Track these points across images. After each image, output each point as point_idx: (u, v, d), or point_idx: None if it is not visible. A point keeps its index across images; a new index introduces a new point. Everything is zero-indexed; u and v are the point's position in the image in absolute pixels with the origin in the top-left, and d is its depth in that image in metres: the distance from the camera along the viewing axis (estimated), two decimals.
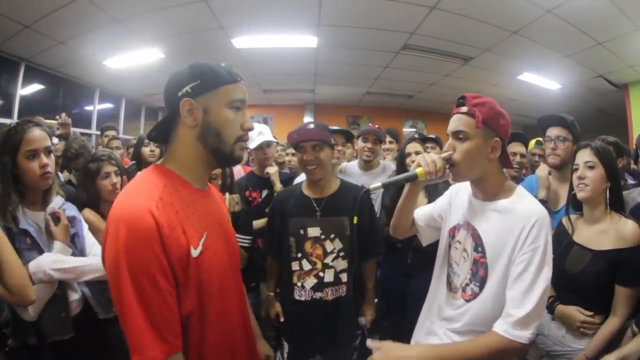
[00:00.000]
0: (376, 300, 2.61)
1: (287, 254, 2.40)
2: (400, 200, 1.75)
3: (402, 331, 2.25)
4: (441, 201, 1.80)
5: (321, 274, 2.35)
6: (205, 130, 1.25)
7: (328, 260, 2.34)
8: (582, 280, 1.88)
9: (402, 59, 6.63)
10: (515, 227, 1.41)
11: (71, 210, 2.05)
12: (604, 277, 1.82)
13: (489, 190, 1.53)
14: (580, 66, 6.46)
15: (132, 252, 1.05)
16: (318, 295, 2.35)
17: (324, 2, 4.76)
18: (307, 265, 2.36)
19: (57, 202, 1.98)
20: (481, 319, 1.47)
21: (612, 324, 1.80)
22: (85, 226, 2.08)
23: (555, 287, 2.01)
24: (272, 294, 2.59)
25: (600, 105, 8.77)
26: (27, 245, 1.72)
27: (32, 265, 1.67)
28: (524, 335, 1.32)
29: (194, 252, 1.17)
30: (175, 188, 1.23)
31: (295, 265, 2.38)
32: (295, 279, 2.38)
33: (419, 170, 1.49)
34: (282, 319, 2.50)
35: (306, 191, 2.45)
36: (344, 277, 2.36)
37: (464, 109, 1.48)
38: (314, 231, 2.35)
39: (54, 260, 1.73)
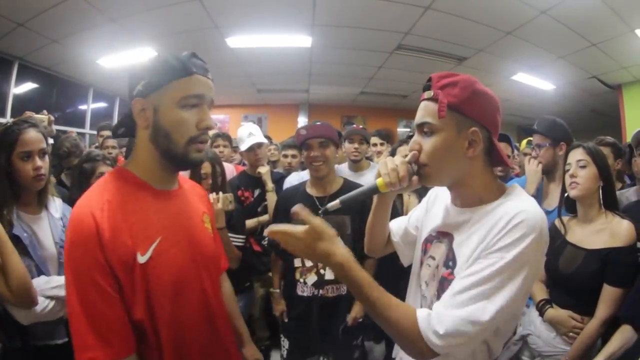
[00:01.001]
0: None
1: None
2: (370, 215, 1.49)
3: None
4: (418, 210, 1.50)
5: (322, 271, 2.37)
6: (155, 132, 1.19)
7: None
8: (576, 280, 1.88)
9: (396, 59, 6.63)
10: (490, 226, 1.06)
11: (68, 212, 2.03)
12: (598, 277, 1.82)
13: (471, 196, 1.18)
14: (574, 67, 6.48)
15: (74, 254, 1.06)
16: (319, 292, 2.36)
17: (318, 2, 4.75)
18: (308, 262, 2.38)
19: (57, 205, 1.99)
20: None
21: (591, 327, 1.80)
22: None
23: (549, 288, 2.03)
24: (277, 290, 2.61)
25: (594, 106, 8.81)
26: (20, 250, 1.68)
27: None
28: (437, 345, 0.98)
29: (141, 258, 1.12)
30: (129, 191, 1.19)
31: (297, 262, 2.40)
32: (297, 275, 2.41)
33: (378, 180, 1.21)
34: (285, 319, 2.51)
35: (310, 190, 2.48)
36: None
37: (429, 93, 1.15)
38: None
39: (46, 281, 1.72)
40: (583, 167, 1.93)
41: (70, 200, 2.24)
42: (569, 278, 1.90)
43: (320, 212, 1.24)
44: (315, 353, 2.44)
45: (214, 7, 4.82)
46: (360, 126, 3.63)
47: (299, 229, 1.07)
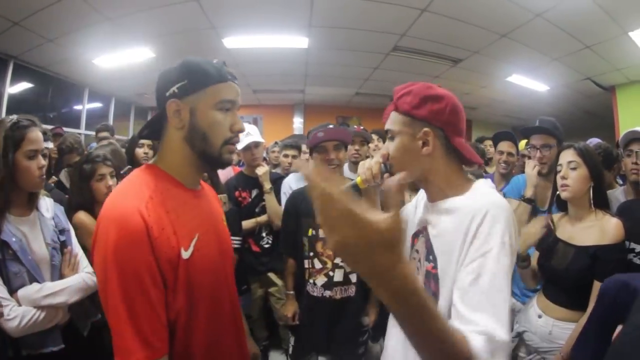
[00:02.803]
0: None
1: (301, 252, 2.46)
2: None
3: None
4: (409, 206, 1.56)
5: (331, 273, 2.39)
6: (191, 133, 1.23)
7: (338, 260, 2.38)
8: (567, 276, 1.92)
9: (392, 60, 6.67)
10: (462, 226, 1.12)
11: (60, 212, 1.97)
12: (588, 274, 1.85)
13: (437, 191, 1.28)
14: (568, 69, 6.53)
15: (122, 254, 1.04)
16: (327, 293, 2.39)
17: (315, 3, 4.77)
18: (318, 264, 2.40)
19: (48, 205, 1.90)
20: None
21: (583, 322, 1.80)
22: (73, 237, 1.98)
23: (544, 285, 2.08)
24: (291, 292, 2.62)
25: (588, 107, 8.86)
26: (9, 255, 1.63)
27: (20, 294, 1.63)
28: None
29: (185, 254, 1.15)
30: (166, 187, 1.21)
31: (307, 263, 2.43)
32: (307, 276, 2.44)
33: (358, 178, 1.39)
34: (297, 321, 2.53)
35: None
36: (353, 277, 2.40)
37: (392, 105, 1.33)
38: None
39: (37, 290, 1.66)
40: (574, 169, 1.96)
41: (68, 202, 2.20)
42: (561, 274, 1.94)
43: None
44: (321, 349, 2.47)
45: (211, 7, 4.83)
46: (361, 127, 3.60)
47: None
